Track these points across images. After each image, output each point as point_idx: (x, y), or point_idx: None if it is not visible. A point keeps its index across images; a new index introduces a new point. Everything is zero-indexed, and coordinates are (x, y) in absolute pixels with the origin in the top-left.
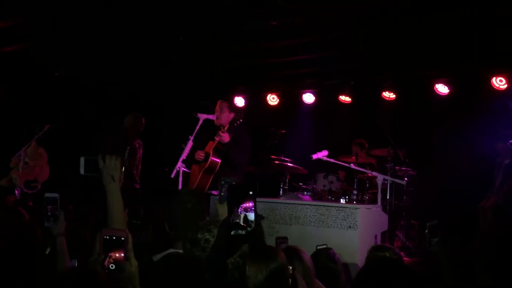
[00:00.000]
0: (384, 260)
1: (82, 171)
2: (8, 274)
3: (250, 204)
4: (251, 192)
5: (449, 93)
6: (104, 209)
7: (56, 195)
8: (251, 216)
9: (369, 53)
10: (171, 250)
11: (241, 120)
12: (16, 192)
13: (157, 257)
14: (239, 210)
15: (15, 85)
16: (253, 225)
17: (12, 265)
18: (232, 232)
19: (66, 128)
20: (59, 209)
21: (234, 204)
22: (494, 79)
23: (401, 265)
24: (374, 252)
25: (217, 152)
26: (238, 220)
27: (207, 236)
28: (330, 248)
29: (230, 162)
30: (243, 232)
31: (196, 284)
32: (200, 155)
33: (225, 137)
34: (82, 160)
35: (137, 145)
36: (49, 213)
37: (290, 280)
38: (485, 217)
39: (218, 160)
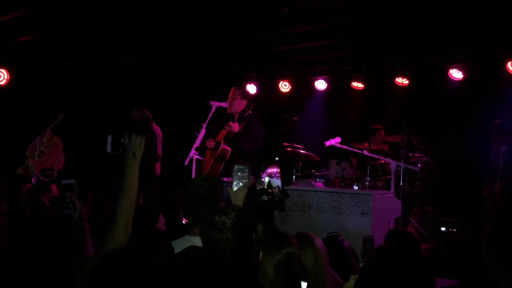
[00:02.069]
0: (393, 250)
1: (108, 149)
2: (43, 261)
3: (275, 170)
4: (277, 158)
5: (463, 78)
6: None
7: (72, 181)
8: (275, 182)
9: (381, 38)
10: (186, 237)
11: (250, 112)
12: (32, 180)
13: (175, 243)
14: (262, 175)
15: (31, 74)
16: (276, 191)
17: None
18: (258, 199)
19: (81, 117)
20: (76, 195)
21: (259, 170)
22: (509, 63)
23: (410, 257)
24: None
25: (228, 141)
26: (262, 186)
27: (224, 218)
28: (339, 235)
29: (240, 151)
30: (267, 198)
31: (215, 271)
32: (210, 142)
33: (235, 128)
34: (109, 138)
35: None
36: (67, 200)
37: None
38: (494, 204)
39: (229, 149)
